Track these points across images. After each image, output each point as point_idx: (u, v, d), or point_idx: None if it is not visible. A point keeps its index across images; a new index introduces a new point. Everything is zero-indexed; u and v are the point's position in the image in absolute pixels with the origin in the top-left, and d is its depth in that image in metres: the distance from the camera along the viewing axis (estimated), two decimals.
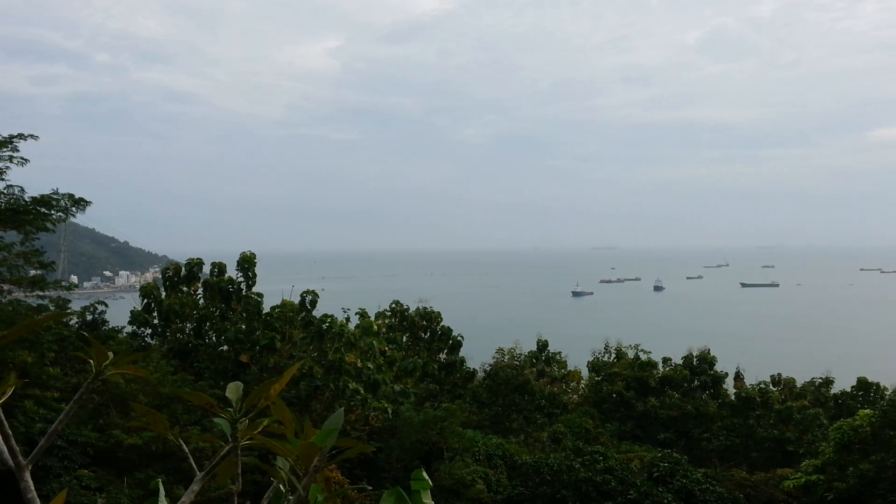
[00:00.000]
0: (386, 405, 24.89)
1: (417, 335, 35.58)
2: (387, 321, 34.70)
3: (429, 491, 6.87)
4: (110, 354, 3.73)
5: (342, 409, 3.64)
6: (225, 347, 26.49)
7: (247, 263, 28.07)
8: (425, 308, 36.34)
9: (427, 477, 6.94)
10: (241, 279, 28.01)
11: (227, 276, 28.23)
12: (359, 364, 24.67)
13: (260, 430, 3.84)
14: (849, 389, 34.71)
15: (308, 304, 27.11)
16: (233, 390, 3.83)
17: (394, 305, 35.51)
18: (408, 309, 35.77)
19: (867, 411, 21.07)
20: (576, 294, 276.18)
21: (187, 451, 3.97)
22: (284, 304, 26.47)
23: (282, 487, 3.54)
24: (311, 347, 25.34)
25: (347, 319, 27.15)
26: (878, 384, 33.50)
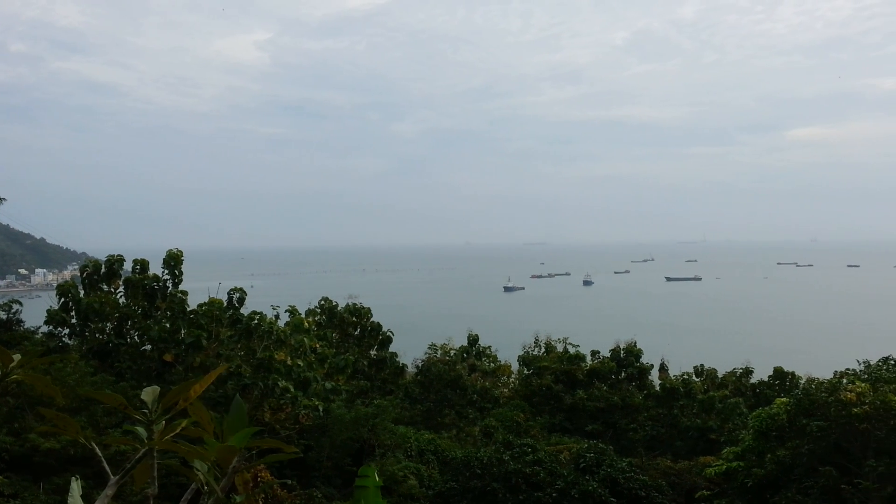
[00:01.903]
0: (317, 403, 24.60)
1: (347, 332, 35.30)
2: (317, 318, 34.33)
3: (378, 490, 6.77)
4: (16, 356, 3.55)
5: (239, 398, 3.57)
6: (148, 347, 25.71)
7: (173, 261, 27.32)
8: (355, 304, 36.09)
9: (376, 476, 6.84)
10: (167, 277, 27.25)
11: (150, 273, 27.41)
12: (289, 362, 24.31)
13: (177, 431, 3.73)
14: (766, 379, 35.95)
15: (236, 302, 26.56)
16: (149, 392, 3.71)
17: (323, 302, 35.15)
18: (337, 305, 35.46)
19: (783, 399, 21.86)
20: (507, 289, 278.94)
21: (100, 454, 3.81)
22: (211, 302, 25.86)
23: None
24: (238, 345, 24.84)
25: (277, 317, 26.74)
26: (793, 373, 34.80)
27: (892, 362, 23.27)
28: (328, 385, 26.10)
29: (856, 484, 18.03)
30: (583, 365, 37.28)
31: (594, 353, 39.01)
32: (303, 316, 30.11)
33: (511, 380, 41.13)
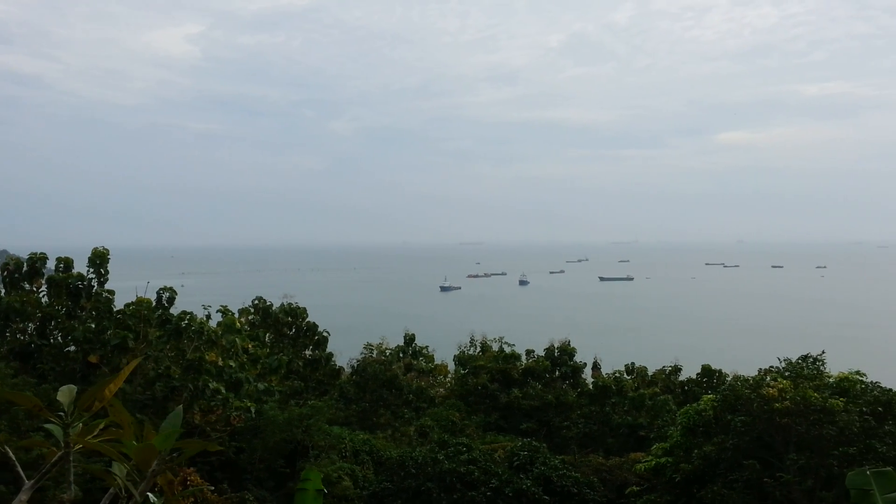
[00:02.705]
0: (249, 404, 24.15)
1: (282, 332, 34.77)
2: (250, 318, 33.72)
3: (319, 493, 6.66)
4: None
5: (180, 407, 3.46)
6: (72, 348, 24.80)
7: (98, 259, 26.42)
8: (290, 304, 35.57)
9: (319, 480, 6.73)
10: (92, 275, 26.34)
11: (75, 272, 26.45)
12: (220, 362, 23.81)
13: (96, 433, 3.60)
14: (694, 376, 36.88)
15: (165, 302, 25.85)
16: (65, 393, 3.57)
17: (257, 302, 34.54)
18: (272, 305, 34.90)
19: (710, 396, 22.48)
20: (443, 289, 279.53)
21: (14, 459, 3.65)
22: (139, 302, 25.10)
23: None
24: (167, 346, 24.19)
25: (208, 317, 26.14)
26: (720, 371, 35.78)
27: (812, 360, 24.20)
28: (261, 386, 25.66)
29: (778, 477, 18.67)
30: (518, 364, 37.58)
31: (529, 353, 39.37)
32: (235, 316, 29.54)
33: (447, 379, 41.20)
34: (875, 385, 20.89)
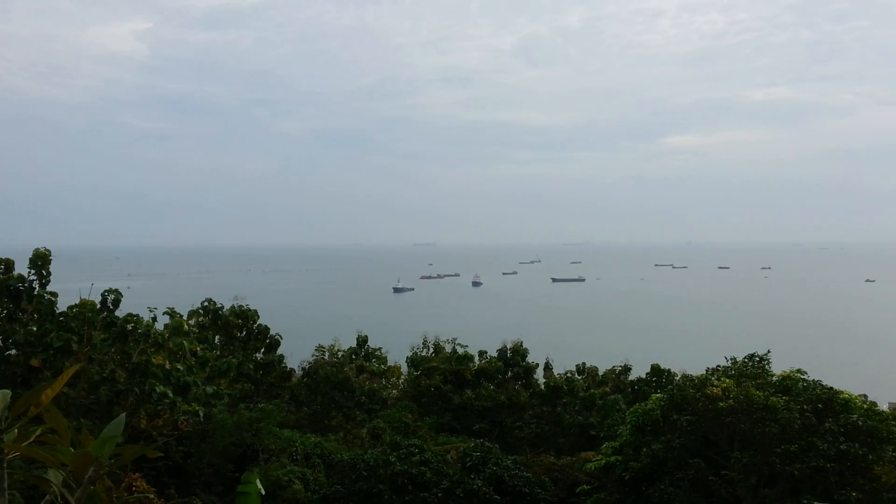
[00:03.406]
0: (197, 408, 23.70)
1: (232, 334, 34.22)
2: (199, 320, 33.13)
3: (260, 497, 6.57)
4: None
5: (123, 414, 3.38)
6: (13, 351, 24.04)
7: (40, 260, 25.60)
8: (241, 306, 35.06)
9: (259, 483, 6.63)
10: (34, 277, 25.54)
11: (15, 273, 25.62)
12: (167, 366, 23.31)
13: (32, 440, 3.50)
14: (644, 376, 37.47)
15: (110, 304, 25.20)
16: None
17: (206, 304, 33.94)
18: (222, 307, 34.35)
19: (658, 395, 22.85)
20: (396, 290, 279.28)
21: None
22: (83, 304, 24.44)
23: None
24: (113, 350, 23.61)
25: (154, 319, 25.59)
26: (668, 370, 36.39)
27: (758, 359, 24.81)
28: (209, 389, 25.19)
29: (723, 475, 19.08)
30: (471, 365, 37.71)
31: (482, 354, 39.54)
32: (184, 318, 28.97)
33: (400, 381, 41.15)
34: (816, 383, 21.49)
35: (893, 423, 21.49)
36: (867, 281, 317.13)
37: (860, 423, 19.36)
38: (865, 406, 20.99)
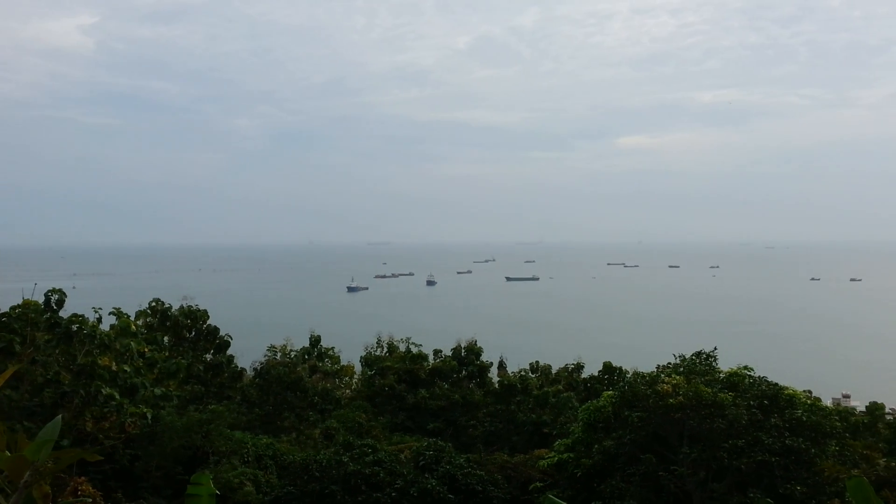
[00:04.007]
0: (145, 410, 23.19)
1: (181, 335, 33.60)
2: (147, 321, 32.45)
3: (212, 498, 6.40)
4: None
5: (59, 417, 3.25)
6: None
7: None
8: (189, 306, 34.43)
9: (210, 483, 6.47)
10: None
11: None
12: (114, 367, 22.77)
13: None
14: (596, 373, 37.91)
15: (54, 304, 24.53)
16: None
17: (154, 304, 33.25)
18: (170, 307, 33.68)
19: (609, 393, 23.15)
20: (351, 289, 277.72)
21: None
22: (26, 304, 23.73)
23: None
24: (57, 351, 22.97)
25: (99, 319, 24.97)
26: (620, 368, 36.89)
27: (705, 356, 25.28)
28: (158, 391, 24.69)
29: (672, 470, 19.40)
30: (425, 364, 37.70)
31: (436, 353, 39.56)
32: (131, 318, 28.34)
33: (353, 380, 40.91)
34: (762, 379, 22.00)
35: (836, 418, 22.14)
36: (812, 279, 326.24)
37: (804, 419, 19.88)
38: (809, 402, 21.56)
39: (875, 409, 38.19)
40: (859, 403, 47.53)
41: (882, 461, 20.50)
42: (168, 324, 33.24)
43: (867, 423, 34.05)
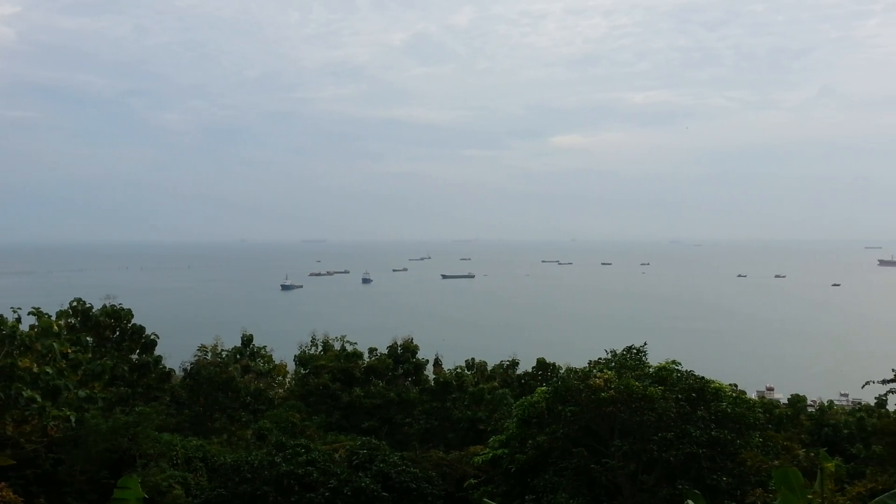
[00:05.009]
0: (68, 413, 22.40)
1: (104, 335, 32.53)
2: (69, 321, 31.29)
3: (140, 502, 6.15)
4: None
5: None
6: None
7: None
8: (112, 305, 33.34)
9: (139, 487, 6.21)
10: None
11: None
12: (35, 369, 21.90)
13: None
14: (530, 370, 38.31)
15: None
16: None
17: (75, 303, 32.08)
18: (92, 307, 32.55)
19: (543, 388, 23.40)
20: (285, 287, 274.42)
21: None
22: None
23: None
24: None
25: (19, 320, 23.97)
26: (554, 363, 37.38)
27: (635, 351, 25.84)
28: (82, 393, 23.86)
29: (604, 463, 19.75)
30: (360, 362, 37.45)
31: (372, 351, 39.37)
32: (52, 318, 27.28)
33: (287, 380, 40.38)
34: (690, 373, 22.59)
35: (760, 410, 22.93)
36: (739, 276, 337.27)
37: (729, 411, 20.51)
38: (735, 394, 22.26)
39: (797, 401, 39.68)
40: (782, 396, 49.38)
41: (801, 452, 21.30)
42: (90, 324, 32.14)
43: (790, 415, 35.39)
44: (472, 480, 23.15)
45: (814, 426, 33.74)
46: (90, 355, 28.61)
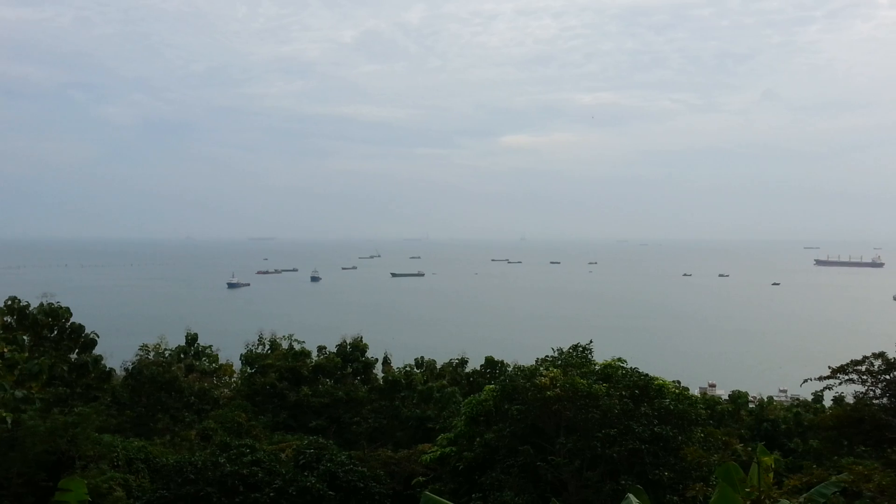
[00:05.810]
0: (4, 414, 21.71)
1: (41, 334, 31.61)
2: (4, 319, 30.31)
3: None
4: None
5: None
6: None
7: None
8: (50, 304, 32.41)
9: (83, 489, 6.03)
10: None
11: None
12: None
13: None
14: (479, 368, 38.53)
15: None
16: None
17: (10, 302, 31.08)
18: (29, 305, 31.58)
19: (491, 387, 23.56)
20: (231, 285, 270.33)
21: None
22: None
23: None
24: None
25: None
26: (502, 361, 37.65)
27: (581, 349, 26.17)
28: (18, 393, 23.16)
29: (549, 460, 19.97)
30: (308, 361, 37.17)
31: (321, 349, 39.11)
32: None
33: (233, 379, 39.81)
34: (634, 371, 22.98)
35: (702, 406, 23.46)
36: (685, 275, 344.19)
37: (672, 407, 20.92)
38: (677, 391, 22.71)
39: (738, 397, 40.79)
40: (724, 392, 50.63)
41: (739, 447, 21.88)
42: (27, 323, 31.20)
43: (731, 411, 36.32)
44: (420, 478, 23.17)
45: (754, 422, 34.71)
46: (27, 354, 27.79)
